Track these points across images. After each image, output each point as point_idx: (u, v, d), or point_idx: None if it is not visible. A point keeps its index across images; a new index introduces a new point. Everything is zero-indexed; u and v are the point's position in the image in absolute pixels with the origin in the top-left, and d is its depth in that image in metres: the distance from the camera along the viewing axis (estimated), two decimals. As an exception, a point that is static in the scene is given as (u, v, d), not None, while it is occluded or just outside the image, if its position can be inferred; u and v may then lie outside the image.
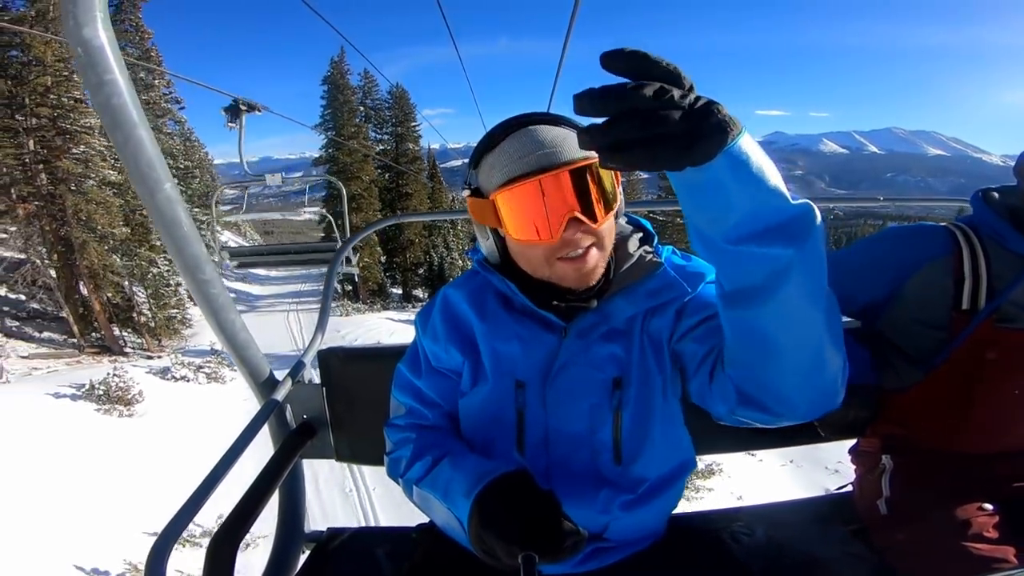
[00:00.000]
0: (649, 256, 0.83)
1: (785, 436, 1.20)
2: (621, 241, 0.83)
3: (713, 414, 0.73)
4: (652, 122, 0.42)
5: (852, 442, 1.21)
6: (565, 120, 0.76)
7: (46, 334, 15.07)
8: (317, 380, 1.30)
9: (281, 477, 1.08)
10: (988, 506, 0.97)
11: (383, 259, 25.07)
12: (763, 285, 0.54)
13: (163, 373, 12.20)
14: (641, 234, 0.87)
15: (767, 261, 0.52)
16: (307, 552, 1.22)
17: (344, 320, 19.37)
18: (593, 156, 0.70)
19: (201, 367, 12.63)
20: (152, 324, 16.10)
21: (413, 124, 26.67)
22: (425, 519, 0.93)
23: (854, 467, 1.20)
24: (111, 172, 13.57)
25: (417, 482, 0.81)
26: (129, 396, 10.14)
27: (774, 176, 0.50)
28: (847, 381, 0.71)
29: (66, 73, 12.92)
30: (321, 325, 1.52)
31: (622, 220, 0.86)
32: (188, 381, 12.20)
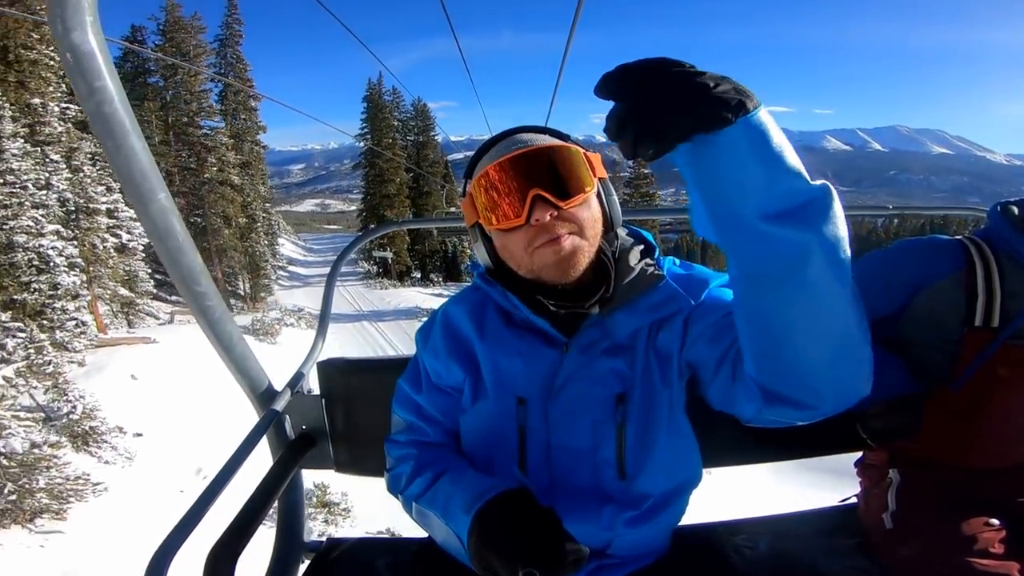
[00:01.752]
0: (651, 269, 0.82)
1: (820, 446, 1.23)
2: (622, 254, 0.83)
3: (741, 417, 0.72)
4: (673, 88, 0.48)
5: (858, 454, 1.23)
6: (552, 130, 0.80)
7: (174, 296, 21.06)
8: (316, 391, 1.30)
9: (280, 488, 1.08)
10: (994, 521, 0.97)
11: (407, 247, 31.11)
12: (782, 269, 0.53)
13: (276, 321, 18.30)
14: (642, 247, 0.86)
15: (786, 244, 0.52)
16: (306, 562, 1.22)
17: (384, 292, 25.57)
18: (562, 143, 0.76)
19: (301, 316, 18.74)
20: (248, 290, 22.22)
21: (432, 133, 32.74)
22: (425, 533, 0.93)
23: (860, 480, 1.21)
24: (235, 177, 19.66)
25: (417, 499, 0.81)
26: (273, 331, 16.23)
27: (792, 156, 0.50)
28: (890, 391, 0.83)
29: (206, 104, 18.97)
30: (321, 333, 1.49)
31: (622, 232, 0.86)
32: (292, 326, 18.26)
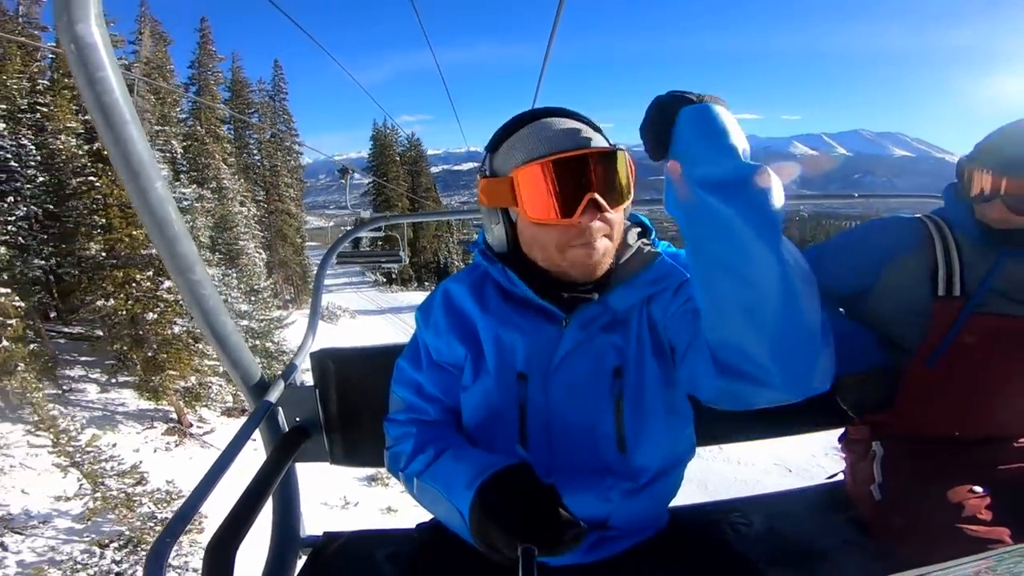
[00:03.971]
0: (647, 247, 0.87)
1: (805, 423, 1.30)
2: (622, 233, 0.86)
3: (702, 398, 0.75)
4: (667, 99, 0.66)
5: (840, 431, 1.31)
6: (591, 122, 0.83)
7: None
8: (309, 382, 1.31)
9: (275, 482, 1.08)
10: (978, 489, 1.02)
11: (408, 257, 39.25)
12: (712, 237, 0.62)
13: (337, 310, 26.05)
14: (639, 228, 0.90)
15: (714, 212, 0.60)
16: (304, 558, 1.23)
17: (394, 295, 33.62)
18: (614, 146, 0.80)
19: (344, 310, 26.59)
20: (294, 294, 29.98)
21: (423, 163, 41.07)
22: (426, 518, 0.97)
23: (844, 456, 1.28)
24: (292, 206, 27.52)
25: (418, 475, 0.83)
26: (334, 316, 24.07)
27: (735, 140, 0.61)
28: (864, 363, 0.95)
29: (277, 156, 26.80)
30: (312, 326, 1.51)
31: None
32: (339, 317, 26.05)
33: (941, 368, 1.11)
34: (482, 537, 0.68)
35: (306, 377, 1.34)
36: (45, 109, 10.89)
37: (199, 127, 19.05)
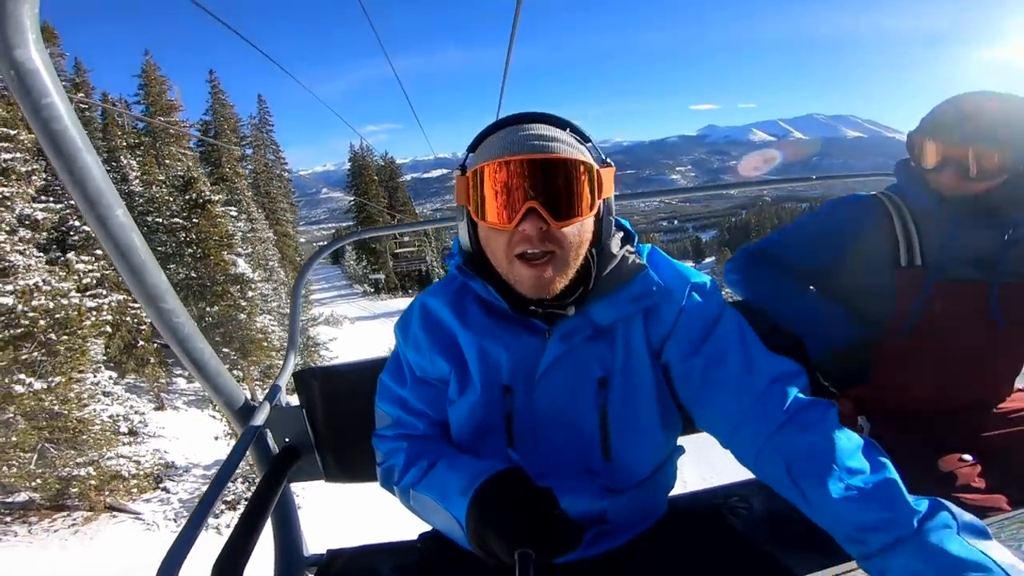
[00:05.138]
0: (632, 258, 0.85)
1: None
2: (603, 242, 0.85)
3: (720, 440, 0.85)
4: None
5: None
6: (575, 128, 0.81)
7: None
8: (295, 402, 1.32)
9: (272, 503, 1.09)
10: (967, 457, 1.06)
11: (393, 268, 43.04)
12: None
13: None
14: (622, 234, 0.88)
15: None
16: None
17: (384, 302, 37.53)
18: (580, 157, 0.77)
19: (346, 318, 30.39)
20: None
21: (399, 180, 45.18)
22: (427, 528, 0.98)
23: None
24: (290, 228, 31.22)
25: (413, 487, 0.84)
26: (337, 322, 27.88)
27: None
28: (838, 340, 1.02)
29: (272, 183, 30.49)
30: (292, 344, 1.51)
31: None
32: (341, 323, 29.79)
33: (913, 337, 1.16)
34: (479, 543, 0.69)
35: (291, 398, 1.38)
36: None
37: (225, 168, 22.77)
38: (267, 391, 1.30)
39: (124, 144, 17.11)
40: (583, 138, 0.82)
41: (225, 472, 0.99)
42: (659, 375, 0.88)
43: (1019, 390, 1.30)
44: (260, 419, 1.17)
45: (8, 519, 8.83)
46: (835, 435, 0.73)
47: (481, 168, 0.78)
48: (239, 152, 25.67)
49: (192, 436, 12.51)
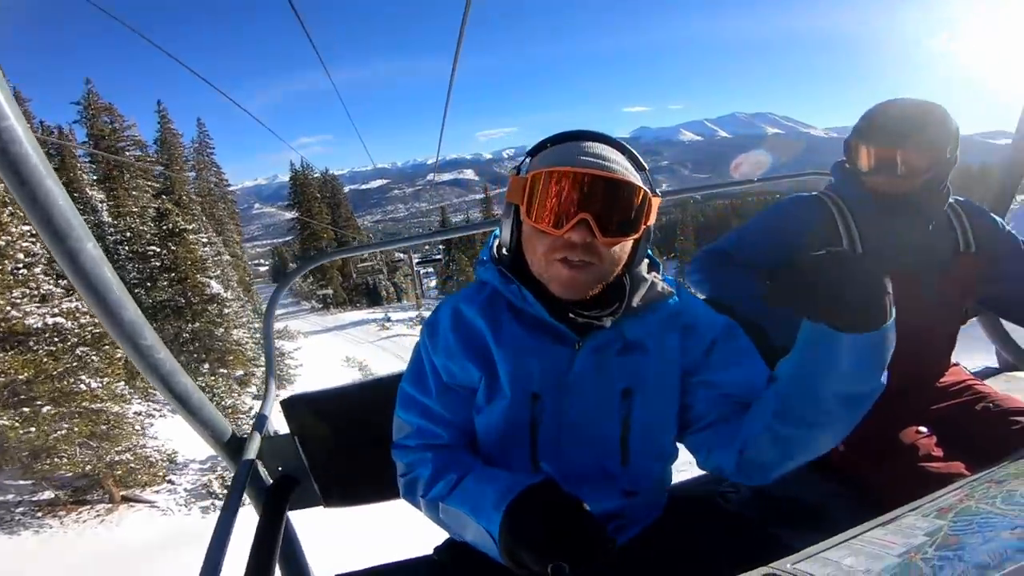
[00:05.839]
0: (659, 284, 0.93)
1: None
2: (638, 263, 0.92)
3: (698, 460, 0.94)
4: (852, 279, 0.62)
5: None
6: (632, 154, 0.87)
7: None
8: (284, 430, 1.31)
9: (278, 540, 1.08)
10: (923, 429, 1.16)
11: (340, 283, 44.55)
12: (821, 430, 0.76)
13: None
14: (648, 261, 0.96)
15: (841, 421, 0.73)
16: None
17: (334, 316, 39.05)
18: (637, 181, 0.83)
19: (300, 333, 31.91)
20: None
21: (341, 195, 46.91)
22: (441, 539, 1.02)
23: None
24: (237, 247, 32.46)
25: (443, 499, 0.85)
26: (294, 337, 29.48)
27: (887, 354, 0.68)
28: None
29: (218, 205, 31.68)
30: (271, 371, 1.51)
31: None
32: (296, 337, 31.27)
33: None
34: (513, 557, 0.70)
35: (277, 423, 1.38)
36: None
37: (181, 195, 24.04)
38: (254, 422, 1.28)
39: (86, 179, 18.49)
40: (639, 165, 0.87)
41: (228, 516, 0.96)
42: (677, 391, 0.93)
43: (954, 365, 1.49)
44: (252, 451, 1.17)
45: (39, 514, 10.46)
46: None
47: (542, 173, 0.82)
48: (189, 178, 26.84)
49: (184, 436, 14.34)
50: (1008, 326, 1.77)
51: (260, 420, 1.31)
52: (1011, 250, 1.38)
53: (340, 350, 26.25)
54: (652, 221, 0.87)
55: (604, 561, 0.65)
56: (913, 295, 1.19)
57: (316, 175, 45.77)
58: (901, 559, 0.66)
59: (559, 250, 0.82)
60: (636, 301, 0.91)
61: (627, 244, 0.86)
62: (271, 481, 1.29)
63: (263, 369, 15.95)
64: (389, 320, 33.75)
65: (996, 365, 1.92)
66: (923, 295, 1.26)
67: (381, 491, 1.29)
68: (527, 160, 0.90)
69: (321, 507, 1.36)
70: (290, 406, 1.29)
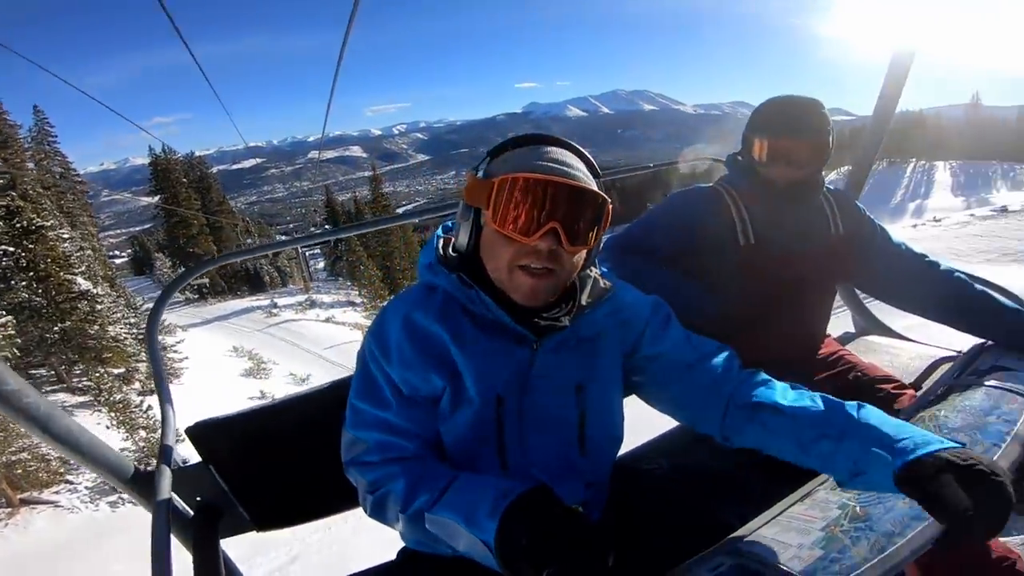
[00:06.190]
0: (601, 280, 0.99)
1: None
2: (590, 265, 0.99)
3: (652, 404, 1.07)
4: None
5: None
6: (589, 162, 0.91)
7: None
8: (193, 458, 1.25)
9: (218, 570, 1.06)
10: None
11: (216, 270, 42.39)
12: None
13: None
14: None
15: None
16: None
17: (215, 306, 37.27)
18: (601, 192, 0.87)
19: (178, 327, 30.51)
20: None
21: (210, 182, 44.22)
22: (395, 549, 1.04)
23: None
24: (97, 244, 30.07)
25: (428, 511, 0.83)
26: (173, 332, 28.28)
27: None
28: (700, 316, 1.20)
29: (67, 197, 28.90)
30: (165, 396, 1.39)
31: None
32: (175, 331, 29.94)
33: (755, 304, 1.42)
34: (508, 565, 0.70)
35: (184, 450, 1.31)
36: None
37: (30, 189, 21.84)
38: (159, 454, 1.21)
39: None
40: (595, 172, 0.91)
41: (163, 572, 0.91)
42: (622, 377, 1.03)
43: (828, 336, 1.68)
44: (165, 488, 1.10)
45: (-62, 525, 10.10)
46: (772, 383, 0.98)
47: (509, 178, 0.83)
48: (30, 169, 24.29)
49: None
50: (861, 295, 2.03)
51: (166, 451, 1.22)
52: (871, 232, 1.53)
53: (226, 341, 25.74)
54: (608, 226, 0.91)
55: (600, 565, 0.66)
56: (797, 275, 1.43)
57: (179, 157, 42.65)
58: (824, 532, 0.75)
59: (523, 257, 0.85)
60: (584, 299, 0.96)
61: (580, 252, 0.90)
62: (192, 514, 1.23)
63: (146, 365, 15.67)
64: (276, 307, 32.95)
65: (853, 330, 2.15)
66: (805, 275, 1.46)
67: (318, 509, 1.33)
68: (487, 160, 0.92)
69: (255, 532, 1.32)
70: (197, 433, 1.24)
